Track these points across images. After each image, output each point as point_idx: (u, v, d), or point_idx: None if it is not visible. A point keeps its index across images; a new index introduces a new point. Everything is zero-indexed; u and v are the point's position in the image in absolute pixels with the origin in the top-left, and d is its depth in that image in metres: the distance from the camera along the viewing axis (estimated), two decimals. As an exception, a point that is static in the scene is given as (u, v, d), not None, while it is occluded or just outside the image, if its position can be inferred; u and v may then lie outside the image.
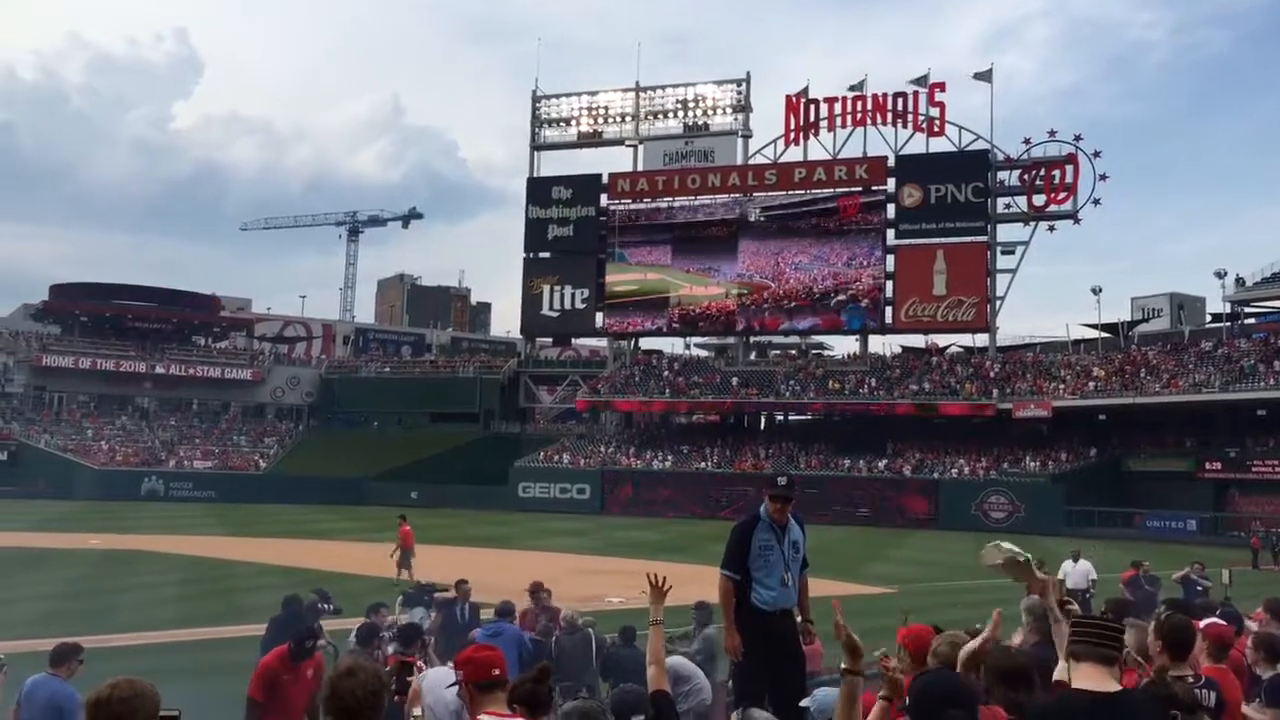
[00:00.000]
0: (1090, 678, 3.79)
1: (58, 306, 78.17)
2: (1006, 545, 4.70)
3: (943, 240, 66.33)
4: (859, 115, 67.99)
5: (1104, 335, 66.28)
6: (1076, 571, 20.37)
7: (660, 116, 74.71)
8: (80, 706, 7.58)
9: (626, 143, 75.35)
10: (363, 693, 3.64)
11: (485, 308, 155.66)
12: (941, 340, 69.89)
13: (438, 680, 8.65)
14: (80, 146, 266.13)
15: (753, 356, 73.98)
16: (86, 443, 67.68)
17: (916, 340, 70.37)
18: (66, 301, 78.09)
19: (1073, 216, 65.02)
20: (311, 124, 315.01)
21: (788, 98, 69.64)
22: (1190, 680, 5.09)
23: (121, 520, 44.63)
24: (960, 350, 68.94)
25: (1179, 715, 4.25)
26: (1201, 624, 6.11)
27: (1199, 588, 18.18)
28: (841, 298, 67.60)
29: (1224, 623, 6.39)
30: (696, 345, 79.82)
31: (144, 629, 19.06)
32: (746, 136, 72.68)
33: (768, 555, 7.06)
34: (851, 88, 68.96)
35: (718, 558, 7.28)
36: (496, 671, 4.73)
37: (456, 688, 8.04)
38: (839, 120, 68.51)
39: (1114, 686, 3.82)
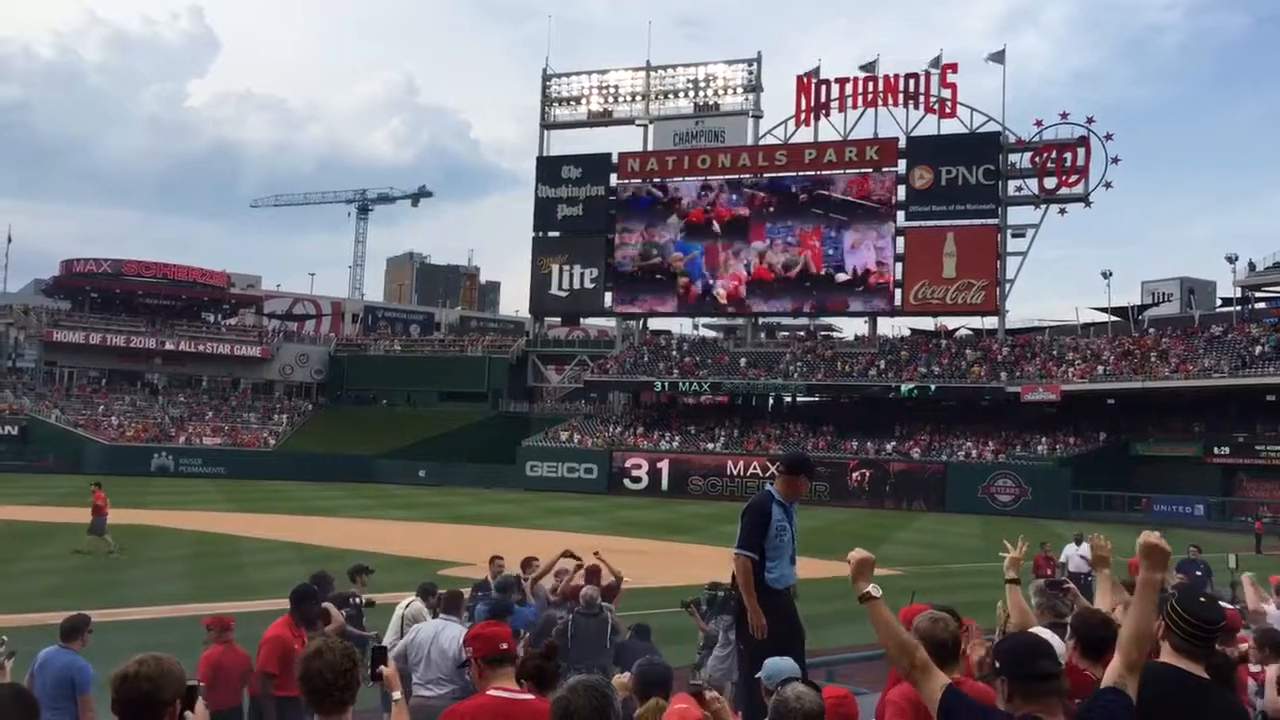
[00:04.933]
0: (1182, 661, 3.92)
1: (68, 282, 78.30)
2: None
3: (953, 223, 66.13)
4: (870, 96, 67.68)
5: (1114, 319, 66.14)
6: (1079, 555, 20.37)
7: (671, 96, 74.43)
8: (91, 678, 7.69)
9: (637, 122, 75.11)
10: (331, 674, 3.67)
11: (494, 287, 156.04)
12: (950, 323, 69.91)
13: (435, 631, 8.74)
14: (95, 124, 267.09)
15: (761, 338, 73.93)
16: (96, 418, 67.94)
17: (925, 323, 70.35)
18: (77, 277, 78.18)
19: (1084, 200, 64.72)
20: (325, 103, 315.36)
21: (799, 78, 69.36)
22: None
23: (131, 495, 44.77)
24: (969, 333, 68.86)
25: None
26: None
27: (1198, 571, 18.17)
28: (849, 278, 67.59)
29: (1232, 607, 6.38)
30: (705, 326, 79.79)
31: (153, 603, 19.17)
32: (757, 117, 72.41)
33: (782, 534, 7.10)
34: (863, 68, 68.64)
35: (729, 538, 7.29)
36: (504, 646, 4.79)
37: (457, 641, 8.19)
38: (850, 101, 68.21)
39: (1201, 673, 3.93)
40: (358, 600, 11.66)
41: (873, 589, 3.95)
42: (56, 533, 30.46)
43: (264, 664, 8.58)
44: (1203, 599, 4.05)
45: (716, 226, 70.81)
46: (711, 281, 70.78)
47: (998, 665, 3.76)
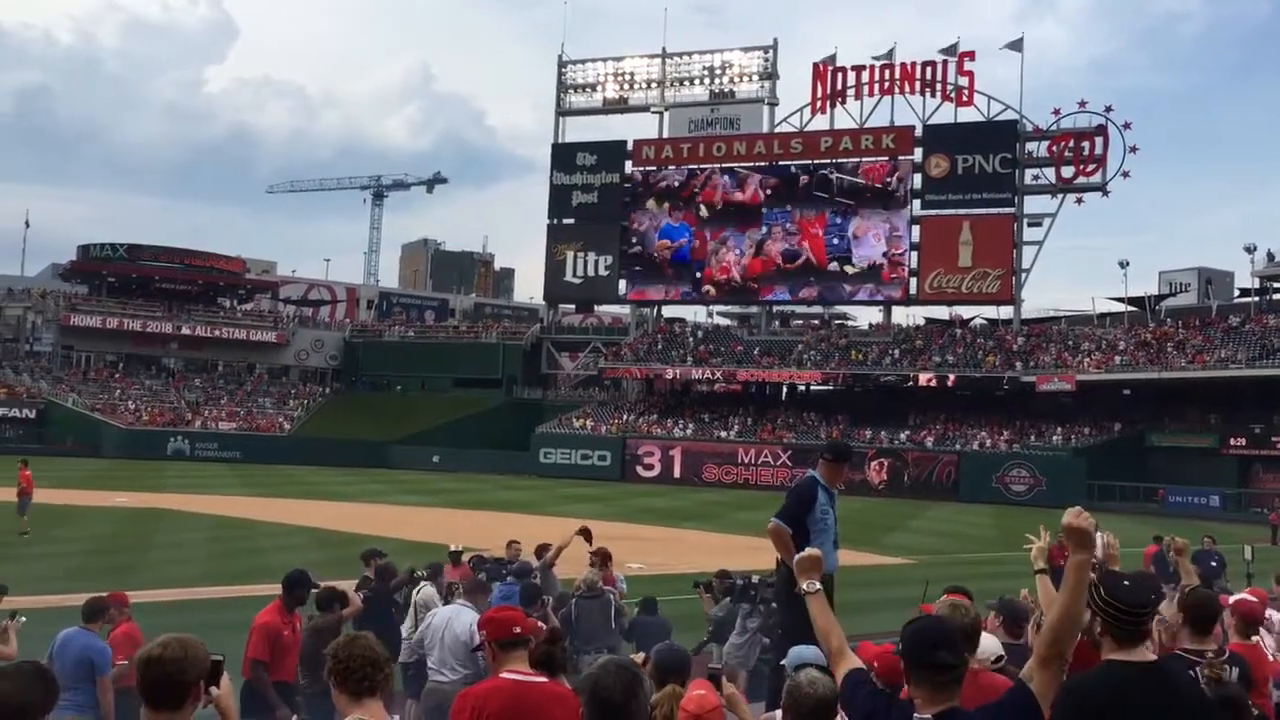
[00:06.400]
0: (1123, 651, 3.82)
1: (85, 267, 78.60)
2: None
3: (969, 211, 65.84)
4: (886, 84, 67.34)
5: (1130, 309, 65.83)
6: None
7: (686, 83, 74.23)
8: (110, 661, 7.76)
9: (652, 109, 74.96)
10: (381, 649, 3.92)
11: (509, 273, 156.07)
12: (966, 312, 69.64)
13: (450, 617, 8.85)
14: (113, 110, 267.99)
15: (775, 326, 73.82)
16: (113, 402, 68.29)
17: (940, 312, 70.13)
18: (94, 262, 78.48)
19: (1101, 189, 64.35)
20: (342, 90, 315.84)
21: (815, 66, 69.04)
22: (1211, 655, 5.07)
23: (148, 479, 45.12)
24: (984, 322, 68.62)
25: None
26: (1230, 600, 6.07)
27: (1213, 562, 18.09)
28: (864, 268, 67.46)
29: (1254, 599, 6.34)
30: (719, 314, 79.73)
31: (169, 586, 19.31)
32: (773, 104, 72.16)
33: (826, 518, 7.23)
34: (879, 56, 68.32)
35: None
36: (517, 630, 4.83)
37: (471, 627, 8.33)
38: (866, 89, 67.90)
39: (1150, 656, 3.87)
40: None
41: (808, 585, 4.48)
42: (74, 516, 30.71)
43: (255, 651, 8.58)
44: (1127, 582, 3.90)
45: (706, 213, 70.76)
46: (700, 275, 70.92)
47: (900, 645, 3.85)
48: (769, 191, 69.76)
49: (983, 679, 4.66)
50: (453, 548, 13.52)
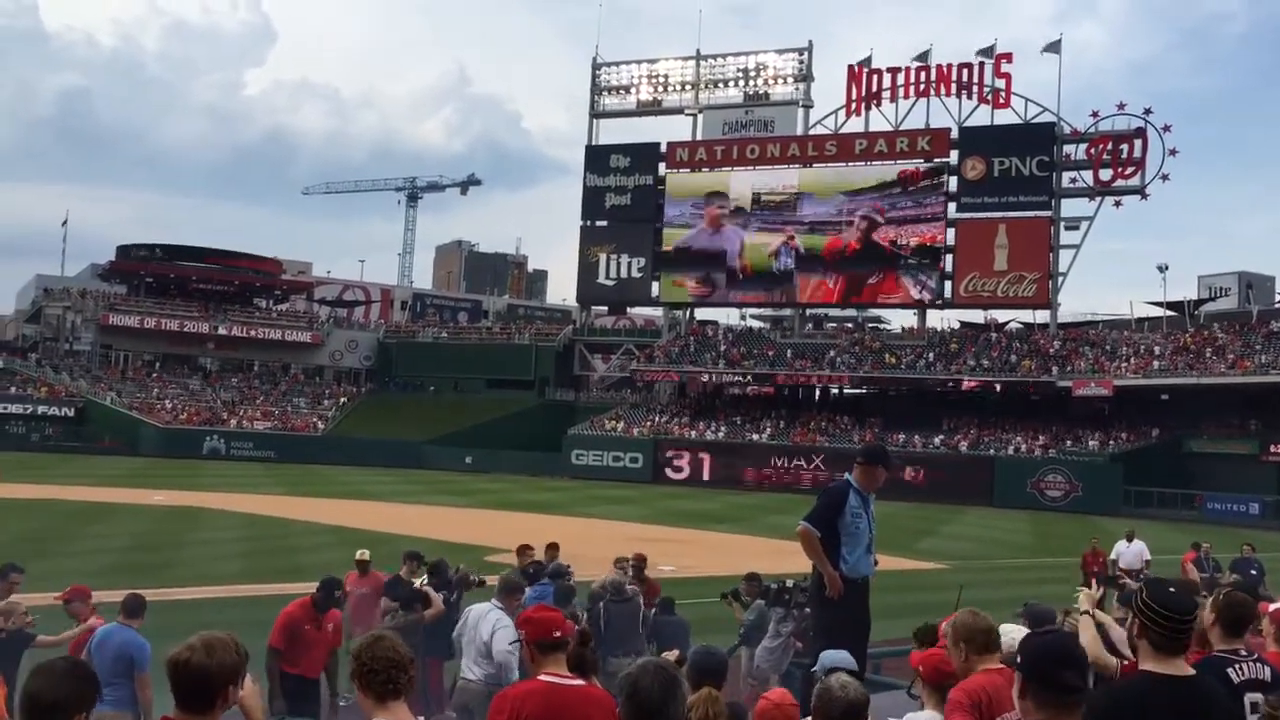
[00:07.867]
0: (1160, 662, 3.75)
1: (124, 267, 79.60)
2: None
3: (1005, 214, 65.24)
4: (922, 86, 66.93)
5: (1169, 314, 65.04)
6: (1130, 551, 20.25)
7: (720, 85, 74.06)
8: (150, 658, 7.84)
9: (686, 111, 74.84)
10: (404, 650, 3.90)
11: (542, 275, 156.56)
12: (1001, 316, 69.07)
13: (479, 616, 8.93)
14: (153, 112, 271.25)
15: (808, 328, 73.54)
16: (151, 401, 69.02)
17: (975, 315, 69.60)
18: (132, 262, 79.45)
19: (1140, 192, 63.63)
20: (378, 92, 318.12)
21: (850, 68, 68.73)
22: (1243, 654, 5.00)
23: (184, 477, 45.57)
24: (1020, 326, 68.06)
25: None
26: (1270, 608, 5.99)
27: (1253, 569, 17.87)
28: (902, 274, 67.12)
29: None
30: (752, 316, 79.55)
31: (205, 583, 19.51)
32: (808, 107, 71.87)
33: (858, 523, 7.20)
34: (915, 58, 67.91)
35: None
36: (557, 633, 4.84)
37: (492, 626, 8.40)
38: (902, 91, 67.48)
39: (1188, 670, 3.79)
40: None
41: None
42: (111, 513, 31.09)
43: (272, 640, 8.94)
44: (1172, 589, 3.82)
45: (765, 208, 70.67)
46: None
47: (1019, 659, 3.63)
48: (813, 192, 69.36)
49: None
50: (359, 556, 12.64)
